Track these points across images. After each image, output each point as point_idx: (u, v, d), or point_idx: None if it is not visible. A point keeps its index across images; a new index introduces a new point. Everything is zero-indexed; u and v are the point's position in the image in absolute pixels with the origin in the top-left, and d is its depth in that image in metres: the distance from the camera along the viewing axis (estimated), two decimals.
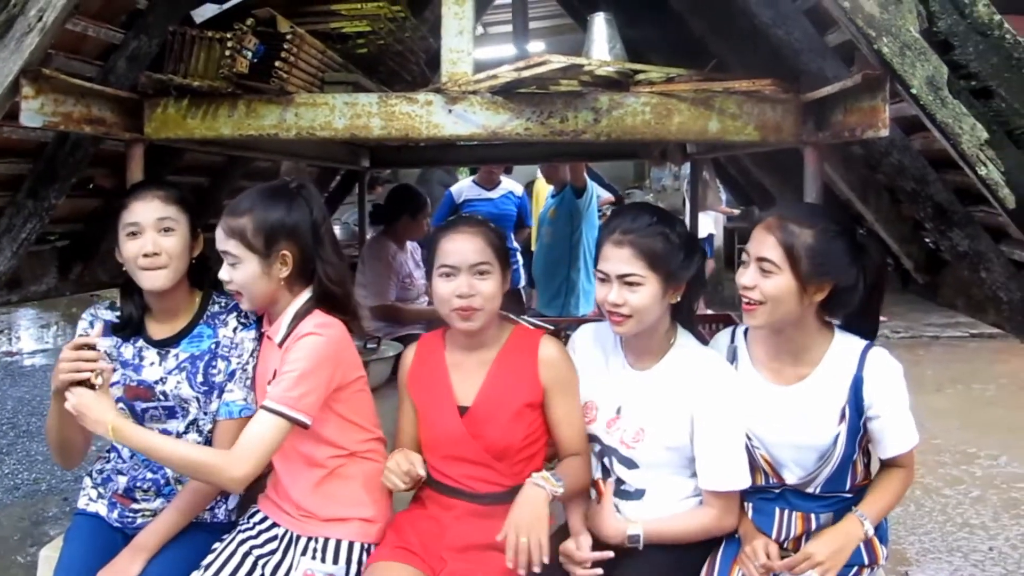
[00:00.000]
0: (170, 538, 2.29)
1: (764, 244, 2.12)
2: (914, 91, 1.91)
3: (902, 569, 4.05)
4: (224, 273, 2.26)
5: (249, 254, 2.22)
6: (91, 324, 2.42)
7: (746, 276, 2.14)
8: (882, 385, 2.13)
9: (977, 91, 1.94)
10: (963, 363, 8.12)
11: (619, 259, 2.18)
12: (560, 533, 2.30)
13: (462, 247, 2.28)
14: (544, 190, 6.97)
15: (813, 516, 2.19)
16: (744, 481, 2.19)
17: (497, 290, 2.29)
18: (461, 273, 2.26)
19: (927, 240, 2.89)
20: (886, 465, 2.21)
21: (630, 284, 2.17)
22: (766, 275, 2.10)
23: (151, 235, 2.28)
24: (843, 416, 2.13)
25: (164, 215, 2.31)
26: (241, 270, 2.23)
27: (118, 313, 2.42)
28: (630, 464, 2.27)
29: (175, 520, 2.31)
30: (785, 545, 2.21)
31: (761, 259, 2.11)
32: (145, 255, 2.27)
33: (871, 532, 2.13)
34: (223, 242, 2.24)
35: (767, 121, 2.46)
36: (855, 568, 2.18)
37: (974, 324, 9.06)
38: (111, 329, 2.39)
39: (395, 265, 4.94)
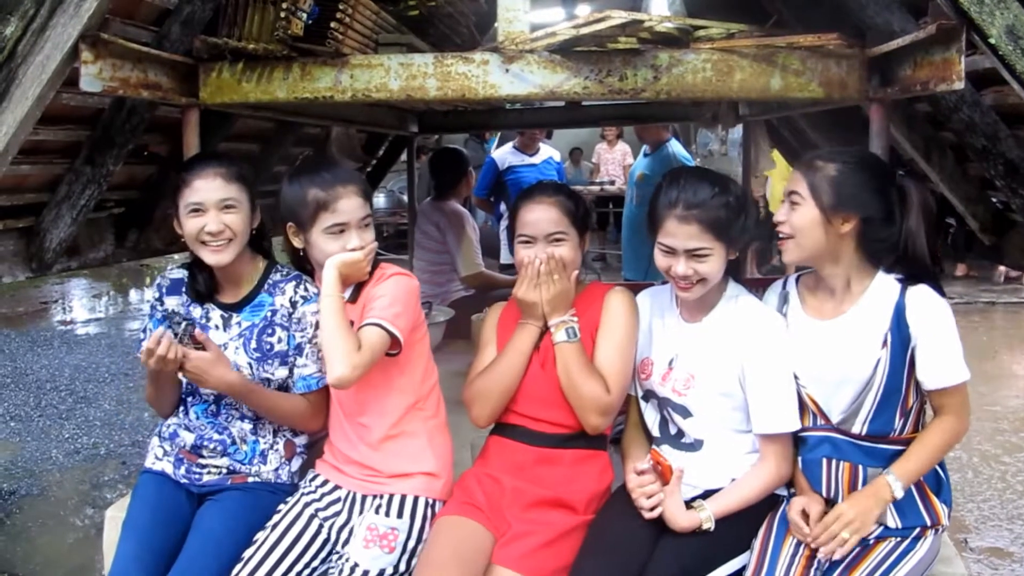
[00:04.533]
0: (259, 396, 2.37)
1: (793, 180, 2.20)
2: (992, 41, 1.85)
3: (961, 536, 4.00)
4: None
5: None
6: (159, 287, 2.46)
7: (779, 212, 2.22)
8: (925, 310, 2.10)
9: None
10: (1020, 329, 7.97)
11: (687, 235, 2.19)
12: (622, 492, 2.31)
13: (538, 217, 2.36)
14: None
15: (860, 468, 2.16)
16: (794, 424, 2.21)
17: (574, 255, 2.38)
18: (538, 242, 2.36)
19: (994, 200, 2.81)
20: (935, 411, 2.17)
21: (699, 257, 2.20)
22: (793, 208, 2.17)
23: (214, 214, 2.30)
24: (885, 342, 2.11)
25: (226, 195, 2.32)
26: None
27: (186, 272, 2.46)
28: (684, 412, 2.29)
29: (271, 398, 2.39)
30: (839, 501, 2.17)
31: (790, 193, 2.18)
32: (209, 233, 2.30)
33: (899, 494, 2.10)
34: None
35: (832, 77, 2.40)
36: (917, 530, 2.13)
37: None
38: (181, 288, 2.44)
39: (473, 230, 4.84)
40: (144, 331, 2.46)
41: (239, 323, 2.40)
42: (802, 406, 2.22)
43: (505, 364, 2.37)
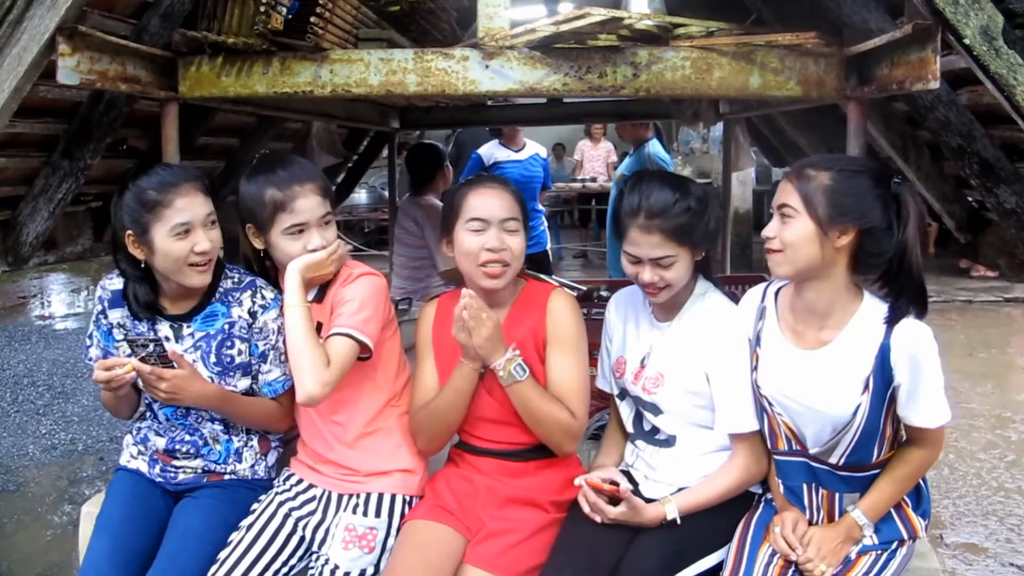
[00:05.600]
0: (234, 404, 2.31)
1: (783, 192, 2.05)
2: (967, 41, 1.87)
3: (936, 532, 4.03)
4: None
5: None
6: (102, 300, 2.34)
7: (768, 227, 2.09)
8: (911, 353, 2.00)
9: None
10: (996, 327, 8.04)
11: (650, 245, 2.18)
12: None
13: (492, 201, 2.25)
14: None
15: (837, 496, 2.13)
16: (753, 424, 2.18)
17: (523, 248, 2.27)
18: (491, 227, 2.23)
19: (969, 199, 2.84)
20: (908, 439, 2.12)
21: (663, 264, 2.19)
22: (785, 221, 2.03)
23: (202, 232, 2.20)
24: (867, 386, 2.02)
25: (210, 209, 2.23)
26: None
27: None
28: (655, 410, 2.30)
29: (246, 404, 2.34)
30: (818, 523, 2.17)
31: (781, 206, 2.04)
32: (200, 253, 2.19)
33: (869, 530, 2.09)
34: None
35: (810, 76, 2.40)
36: (894, 543, 2.11)
37: (1008, 288, 8.99)
38: (123, 299, 2.31)
39: None
40: (90, 337, 2.37)
41: (192, 334, 2.29)
42: (775, 431, 2.17)
43: (445, 404, 2.26)
